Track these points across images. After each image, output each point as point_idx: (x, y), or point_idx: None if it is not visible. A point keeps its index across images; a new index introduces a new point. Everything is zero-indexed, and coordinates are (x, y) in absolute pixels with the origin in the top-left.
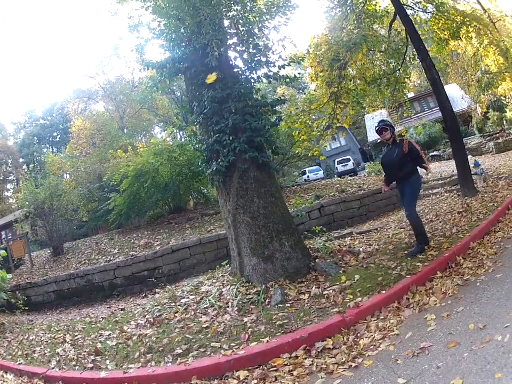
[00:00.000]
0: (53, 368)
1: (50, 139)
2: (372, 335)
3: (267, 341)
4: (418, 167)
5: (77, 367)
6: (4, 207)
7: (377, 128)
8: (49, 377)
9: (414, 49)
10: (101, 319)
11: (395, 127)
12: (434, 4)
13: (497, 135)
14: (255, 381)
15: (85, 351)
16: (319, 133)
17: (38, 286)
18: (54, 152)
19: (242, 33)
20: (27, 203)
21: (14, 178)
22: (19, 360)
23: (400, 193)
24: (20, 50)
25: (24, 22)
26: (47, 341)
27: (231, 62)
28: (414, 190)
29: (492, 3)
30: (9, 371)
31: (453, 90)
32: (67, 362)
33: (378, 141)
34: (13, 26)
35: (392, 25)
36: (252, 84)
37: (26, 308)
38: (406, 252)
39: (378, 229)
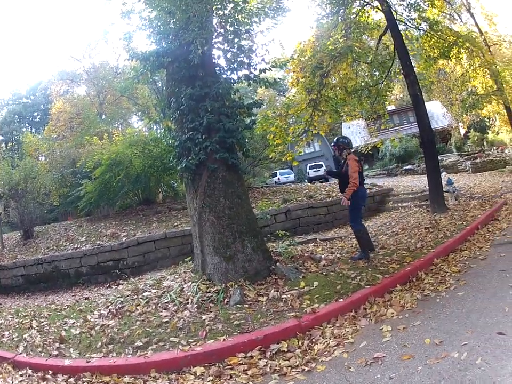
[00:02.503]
0: (20, 353)
1: (31, 119)
2: (327, 341)
3: (224, 339)
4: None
5: (43, 354)
6: None
7: (332, 144)
8: (17, 362)
9: (400, 64)
10: (66, 307)
11: (371, 139)
12: (429, 22)
13: (476, 155)
14: (211, 378)
15: (51, 338)
16: (294, 139)
17: (8, 269)
18: (33, 132)
19: (229, 32)
20: (1, 183)
21: None
22: None
23: None
24: (9, 27)
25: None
26: (15, 326)
27: (214, 60)
28: (352, 204)
29: (491, 27)
30: None
31: (434, 107)
32: (34, 348)
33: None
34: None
35: (382, 38)
36: (232, 84)
37: None
38: (366, 262)
39: (343, 237)
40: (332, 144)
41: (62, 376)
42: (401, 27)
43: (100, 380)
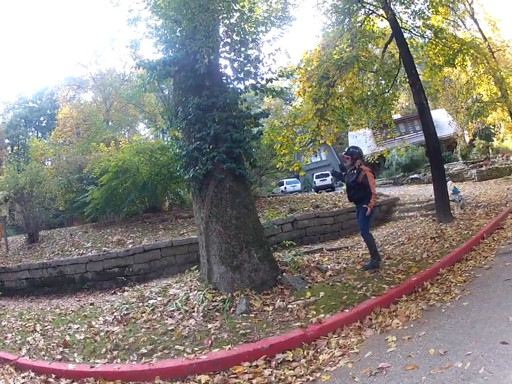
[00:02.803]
0: (23, 356)
1: (37, 123)
2: (332, 352)
3: (229, 348)
4: None
5: (46, 357)
6: None
7: (344, 153)
8: (20, 365)
9: (405, 72)
10: (71, 312)
11: (377, 148)
12: (434, 29)
13: (481, 163)
14: None
15: (54, 342)
16: (300, 148)
17: (12, 272)
18: (39, 137)
19: (235, 42)
20: (7, 186)
21: None
22: None
23: (356, 216)
24: (18, 33)
25: (25, 6)
26: (18, 328)
27: (220, 70)
28: (364, 214)
29: (495, 32)
30: None
31: (440, 115)
32: (37, 351)
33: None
34: (13, 8)
35: (387, 46)
36: (239, 94)
37: (0, 293)
38: (373, 272)
39: (349, 247)
40: (344, 153)
41: (65, 380)
42: (406, 35)
43: None
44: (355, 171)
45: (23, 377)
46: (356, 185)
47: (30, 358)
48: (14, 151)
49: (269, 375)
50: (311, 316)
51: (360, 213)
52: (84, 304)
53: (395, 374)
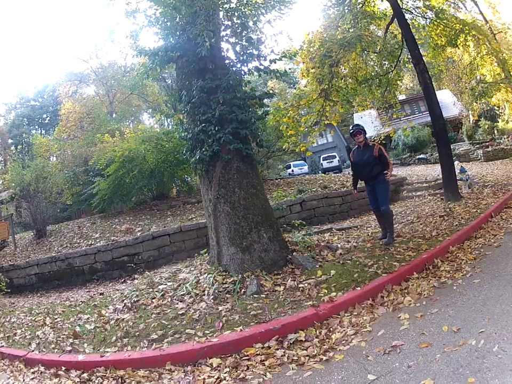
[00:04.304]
0: (33, 351)
1: (40, 121)
2: (345, 330)
3: (240, 330)
4: None
5: (56, 350)
6: None
7: (352, 131)
8: (29, 360)
9: (408, 53)
10: (80, 303)
11: (383, 128)
12: (434, 10)
13: (487, 143)
14: (228, 369)
15: (64, 334)
16: (306, 129)
17: (21, 269)
18: (42, 134)
19: (236, 25)
20: (13, 184)
21: (2, 159)
22: (1, 343)
23: (370, 193)
24: (15, 31)
25: (22, 4)
26: (27, 324)
27: (223, 54)
28: (386, 187)
29: (495, 15)
30: None
31: (445, 96)
32: (46, 345)
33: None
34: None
35: (389, 27)
36: (242, 76)
37: (9, 290)
38: (384, 250)
39: (358, 226)
40: (355, 131)
41: (75, 371)
42: (407, 16)
43: (114, 374)
44: (366, 148)
45: (33, 373)
46: (373, 160)
47: (39, 352)
48: (18, 150)
49: (282, 355)
50: (322, 295)
51: (380, 188)
52: (94, 294)
53: (409, 352)
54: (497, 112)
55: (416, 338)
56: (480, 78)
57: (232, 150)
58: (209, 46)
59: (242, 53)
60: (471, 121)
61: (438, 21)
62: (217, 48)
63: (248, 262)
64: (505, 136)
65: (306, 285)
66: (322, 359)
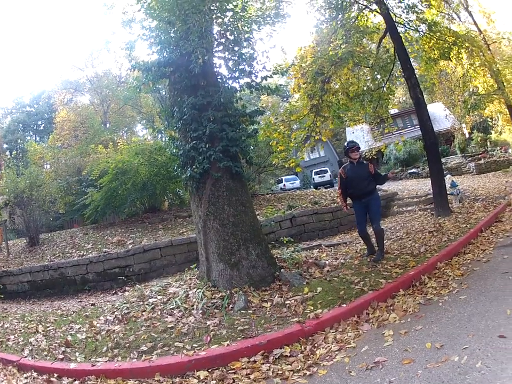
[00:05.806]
0: (26, 356)
1: (35, 127)
2: (329, 346)
3: (228, 344)
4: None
5: (48, 357)
6: None
7: (348, 147)
8: (22, 365)
9: (401, 67)
10: (72, 313)
11: (375, 143)
12: (427, 23)
13: (480, 156)
14: (214, 382)
15: (56, 343)
16: (296, 145)
17: (13, 275)
18: (37, 141)
19: (229, 41)
20: (7, 191)
21: None
22: None
23: (359, 211)
24: (13, 37)
25: (20, 10)
26: (20, 330)
27: (215, 69)
28: (379, 204)
29: (490, 24)
30: None
31: (437, 109)
32: (39, 352)
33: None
34: (6, 13)
35: (382, 41)
36: (234, 92)
37: (2, 296)
38: (371, 267)
39: (348, 242)
40: (353, 148)
41: (67, 379)
42: (400, 29)
43: (105, 383)
44: (360, 164)
45: (26, 378)
46: (369, 176)
47: (32, 358)
48: (12, 155)
49: (267, 370)
50: (308, 311)
51: (373, 204)
52: (85, 304)
53: (391, 368)
54: (490, 124)
55: (399, 355)
56: (473, 90)
57: (222, 168)
58: (202, 63)
59: (234, 68)
60: (465, 134)
61: (431, 33)
62: (210, 64)
63: (237, 278)
64: (498, 148)
65: (292, 301)
66: (306, 373)
